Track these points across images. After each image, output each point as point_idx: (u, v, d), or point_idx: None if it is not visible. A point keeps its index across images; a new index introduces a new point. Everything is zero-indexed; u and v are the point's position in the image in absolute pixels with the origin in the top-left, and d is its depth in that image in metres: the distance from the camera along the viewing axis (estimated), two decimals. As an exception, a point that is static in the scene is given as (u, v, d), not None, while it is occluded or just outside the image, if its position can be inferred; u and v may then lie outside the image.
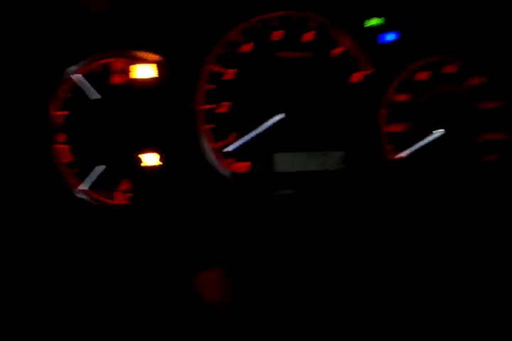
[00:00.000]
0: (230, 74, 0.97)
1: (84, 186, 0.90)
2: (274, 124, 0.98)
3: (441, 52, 1.06)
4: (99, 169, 0.91)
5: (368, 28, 1.02)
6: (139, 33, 0.91)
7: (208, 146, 0.95)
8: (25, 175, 0.86)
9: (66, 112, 0.90)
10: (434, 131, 1.04)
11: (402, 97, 1.05)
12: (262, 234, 0.94)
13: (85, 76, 0.90)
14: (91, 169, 0.90)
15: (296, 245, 0.93)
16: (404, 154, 1.04)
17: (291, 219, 0.96)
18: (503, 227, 0.96)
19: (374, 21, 1.02)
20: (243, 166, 0.97)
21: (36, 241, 0.86)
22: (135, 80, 0.92)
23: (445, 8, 1.04)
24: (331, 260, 0.90)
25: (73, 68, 0.89)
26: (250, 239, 0.93)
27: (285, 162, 0.99)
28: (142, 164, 0.92)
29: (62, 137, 0.90)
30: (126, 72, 0.92)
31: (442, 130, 1.05)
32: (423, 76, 1.06)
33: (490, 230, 0.96)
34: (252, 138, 0.97)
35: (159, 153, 0.93)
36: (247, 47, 0.98)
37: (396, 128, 1.04)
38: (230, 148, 0.96)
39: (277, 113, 0.98)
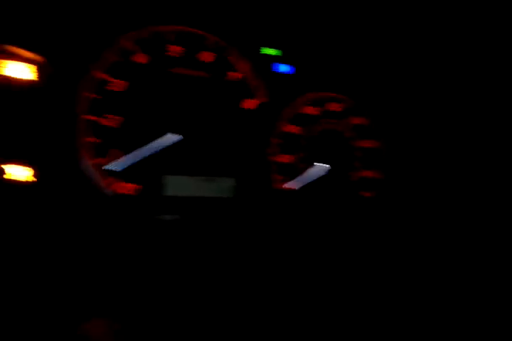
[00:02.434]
0: (120, 85, 0.89)
1: None
2: (164, 145, 0.92)
3: (330, 90, 1.10)
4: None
5: (263, 55, 1.02)
6: (18, 27, 0.80)
7: (87, 162, 0.85)
8: None
9: None
10: (316, 164, 1.07)
11: (292, 129, 1.06)
12: (137, 260, 0.86)
13: None
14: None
15: (169, 272, 0.87)
16: (289, 185, 1.04)
17: (171, 245, 0.90)
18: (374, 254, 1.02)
19: (270, 51, 1.03)
20: (128, 187, 0.89)
21: None
22: (8, 79, 0.79)
23: (340, 45, 1.09)
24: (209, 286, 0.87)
25: None
26: (123, 265, 0.84)
27: (173, 185, 0.93)
28: (11, 178, 0.78)
29: None
30: (-2, 69, 0.79)
31: (324, 164, 1.08)
32: (311, 110, 1.09)
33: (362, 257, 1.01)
34: (139, 158, 0.89)
35: (31, 167, 0.80)
36: (141, 59, 0.91)
37: (284, 158, 1.05)
38: (112, 167, 0.87)
39: (167, 132, 0.92)
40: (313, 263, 0.98)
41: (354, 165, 1.13)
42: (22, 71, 0.80)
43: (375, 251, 1.04)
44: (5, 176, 0.78)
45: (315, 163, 1.07)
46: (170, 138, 0.92)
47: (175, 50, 0.93)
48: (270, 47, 1.03)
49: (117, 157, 0.87)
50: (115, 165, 0.87)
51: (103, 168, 0.86)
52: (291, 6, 1.01)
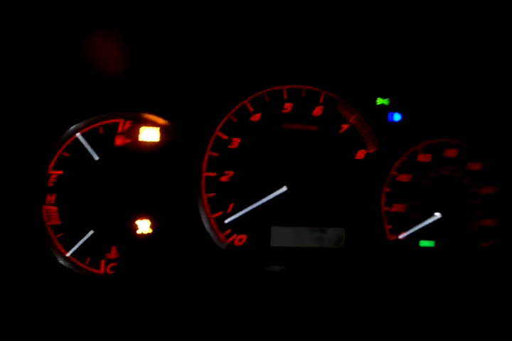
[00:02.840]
0: (235, 142, 0.94)
1: (69, 253, 0.83)
2: (277, 197, 0.95)
3: (443, 136, 1.06)
4: (87, 235, 0.84)
5: (378, 106, 1.02)
6: (148, 96, 0.89)
7: (205, 216, 0.91)
8: (9, 233, 0.79)
9: (60, 172, 0.85)
10: (433, 214, 1.03)
11: (404, 178, 1.04)
12: (250, 310, 0.88)
13: (87, 136, 0.86)
14: (78, 234, 0.84)
15: (282, 322, 0.88)
16: (403, 236, 1.01)
17: (281, 296, 0.91)
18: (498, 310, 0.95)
19: (383, 101, 1.02)
20: (239, 239, 0.93)
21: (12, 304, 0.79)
22: (138, 143, 0.88)
23: (450, 92, 1.05)
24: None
25: (75, 127, 0.85)
26: (237, 314, 0.87)
27: (282, 236, 0.95)
28: (133, 232, 0.86)
29: (51, 198, 0.84)
30: (130, 134, 0.88)
31: (440, 213, 1.03)
32: (425, 158, 1.05)
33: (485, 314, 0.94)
34: (251, 210, 0.93)
35: (153, 221, 0.87)
36: (255, 117, 0.96)
37: (396, 208, 1.02)
38: (228, 220, 0.91)
39: (279, 185, 0.95)
40: (425, 318, 0.93)
41: (473, 213, 1.06)
42: (151, 135, 0.89)
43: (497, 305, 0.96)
44: (133, 231, 0.86)
45: (430, 213, 1.03)
46: (282, 191, 0.94)
47: (287, 107, 0.97)
48: (381, 96, 1.03)
49: (231, 210, 0.92)
50: (230, 219, 0.91)
51: (219, 221, 0.91)
52: (393, 54, 1.00)
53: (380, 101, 1.02)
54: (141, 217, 0.87)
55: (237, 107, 0.95)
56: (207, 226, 0.90)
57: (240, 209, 0.93)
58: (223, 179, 0.93)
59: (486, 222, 1.07)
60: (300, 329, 0.88)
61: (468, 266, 1.03)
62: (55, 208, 0.84)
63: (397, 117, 1.03)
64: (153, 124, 0.89)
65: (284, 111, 0.98)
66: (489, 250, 1.05)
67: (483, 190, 1.07)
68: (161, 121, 0.89)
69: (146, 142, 0.89)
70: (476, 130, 1.07)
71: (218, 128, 0.93)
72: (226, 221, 0.91)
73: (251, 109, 0.96)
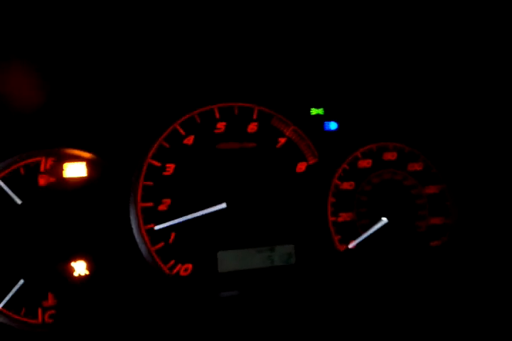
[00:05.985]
0: (169, 169, 0.90)
1: (0, 305, 0.77)
2: (217, 220, 0.92)
3: (380, 140, 1.06)
4: (17, 285, 0.78)
5: (313, 116, 1.00)
6: (69, 130, 0.84)
7: (146, 249, 0.86)
8: None
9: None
10: (380, 219, 1.03)
11: (347, 185, 1.03)
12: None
13: (7, 179, 0.80)
14: (8, 285, 0.78)
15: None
16: (352, 244, 1.00)
17: (237, 322, 0.88)
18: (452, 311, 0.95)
19: (317, 111, 1.01)
20: (185, 268, 0.89)
21: None
22: (63, 180, 0.83)
23: (383, 96, 1.05)
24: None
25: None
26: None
27: (230, 260, 0.92)
28: (70, 275, 0.81)
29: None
30: (54, 172, 0.83)
31: (386, 218, 1.03)
32: (366, 163, 1.05)
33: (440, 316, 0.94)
34: (194, 237, 0.90)
35: (89, 261, 0.83)
36: (188, 140, 0.92)
37: (343, 217, 1.01)
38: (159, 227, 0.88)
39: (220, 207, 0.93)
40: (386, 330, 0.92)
41: (419, 213, 1.07)
42: (77, 170, 0.84)
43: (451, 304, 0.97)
44: (67, 275, 0.81)
45: (377, 218, 1.03)
46: (221, 207, 0.92)
47: (220, 126, 0.94)
48: (314, 106, 1.01)
49: (174, 240, 0.88)
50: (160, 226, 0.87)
51: (161, 253, 0.87)
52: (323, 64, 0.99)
53: (314, 111, 1.01)
54: (76, 258, 0.82)
55: (168, 132, 0.91)
56: (149, 260, 0.86)
57: (183, 239, 0.90)
58: (161, 208, 0.89)
59: (433, 220, 1.07)
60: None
61: (420, 267, 1.04)
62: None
63: (333, 126, 1.03)
64: (78, 159, 0.84)
65: (217, 131, 0.95)
66: (439, 249, 1.06)
67: (426, 190, 1.08)
68: (86, 154, 0.84)
69: (72, 178, 0.84)
70: (412, 131, 1.08)
71: (150, 155, 0.89)
72: (156, 227, 0.87)
73: (183, 132, 0.92)
